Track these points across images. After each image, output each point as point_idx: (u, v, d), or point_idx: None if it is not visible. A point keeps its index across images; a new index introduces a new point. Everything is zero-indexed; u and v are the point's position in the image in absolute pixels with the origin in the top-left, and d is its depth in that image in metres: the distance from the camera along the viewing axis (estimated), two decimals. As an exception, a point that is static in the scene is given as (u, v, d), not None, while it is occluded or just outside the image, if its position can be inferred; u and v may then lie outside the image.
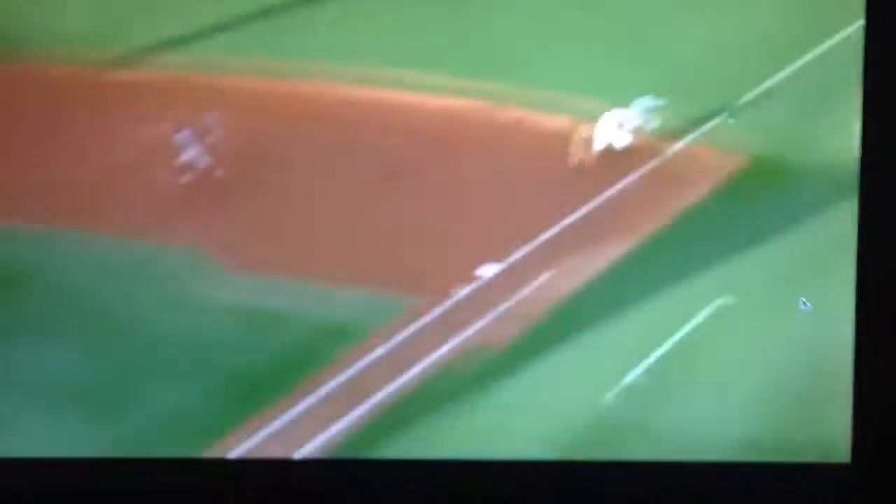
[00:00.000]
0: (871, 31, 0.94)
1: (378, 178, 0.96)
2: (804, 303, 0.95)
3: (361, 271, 0.95)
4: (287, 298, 0.95)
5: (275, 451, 0.95)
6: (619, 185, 0.96)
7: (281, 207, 0.95)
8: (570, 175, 0.96)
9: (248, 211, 0.95)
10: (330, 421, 0.95)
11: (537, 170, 0.96)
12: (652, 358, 0.96)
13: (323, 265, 0.96)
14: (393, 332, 0.95)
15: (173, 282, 0.95)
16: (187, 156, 0.95)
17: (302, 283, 0.95)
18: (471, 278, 0.95)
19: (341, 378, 0.95)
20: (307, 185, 0.96)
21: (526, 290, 0.96)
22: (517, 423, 0.95)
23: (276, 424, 0.95)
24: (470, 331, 0.95)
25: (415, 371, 0.95)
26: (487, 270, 0.95)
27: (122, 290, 0.95)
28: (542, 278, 0.96)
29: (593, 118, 0.96)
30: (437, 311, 0.95)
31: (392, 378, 0.95)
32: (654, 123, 0.96)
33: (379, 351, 0.95)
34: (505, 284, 0.96)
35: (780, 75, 0.96)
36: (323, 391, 0.95)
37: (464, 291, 0.95)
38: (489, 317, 0.96)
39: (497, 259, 0.96)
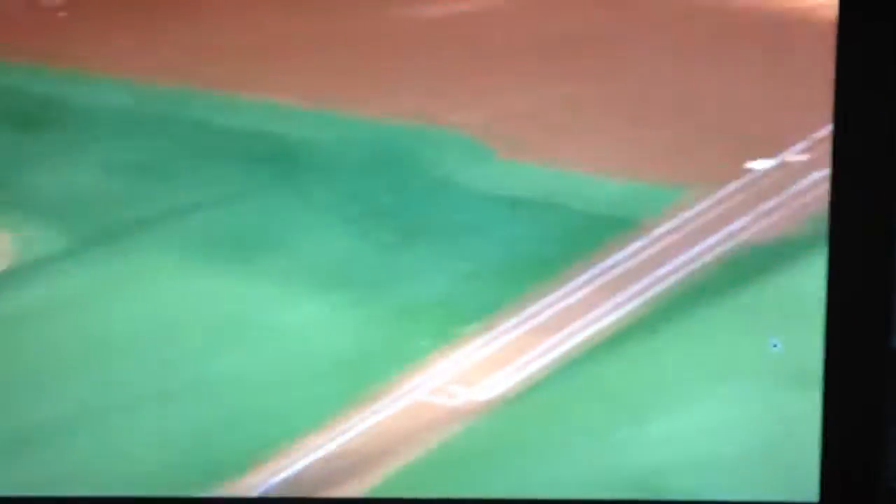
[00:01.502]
0: None
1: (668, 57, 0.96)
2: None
3: (631, 161, 0.96)
4: (555, 187, 0.97)
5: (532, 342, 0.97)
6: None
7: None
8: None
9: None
10: (592, 309, 0.97)
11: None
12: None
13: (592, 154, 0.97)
14: (661, 223, 0.96)
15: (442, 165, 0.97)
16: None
17: (571, 171, 0.97)
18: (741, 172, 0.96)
19: (608, 265, 0.97)
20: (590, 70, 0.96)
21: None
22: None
23: (546, 312, 0.97)
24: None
25: (679, 261, 0.96)
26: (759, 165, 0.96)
27: (391, 172, 0.97)
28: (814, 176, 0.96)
29: None
30: (705, 203, 0.96)
31: (659, 266, 0.96)
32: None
33: (643, 242, 0.96)
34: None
35: None
36: (586, 277, 0.96)
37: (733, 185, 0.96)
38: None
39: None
